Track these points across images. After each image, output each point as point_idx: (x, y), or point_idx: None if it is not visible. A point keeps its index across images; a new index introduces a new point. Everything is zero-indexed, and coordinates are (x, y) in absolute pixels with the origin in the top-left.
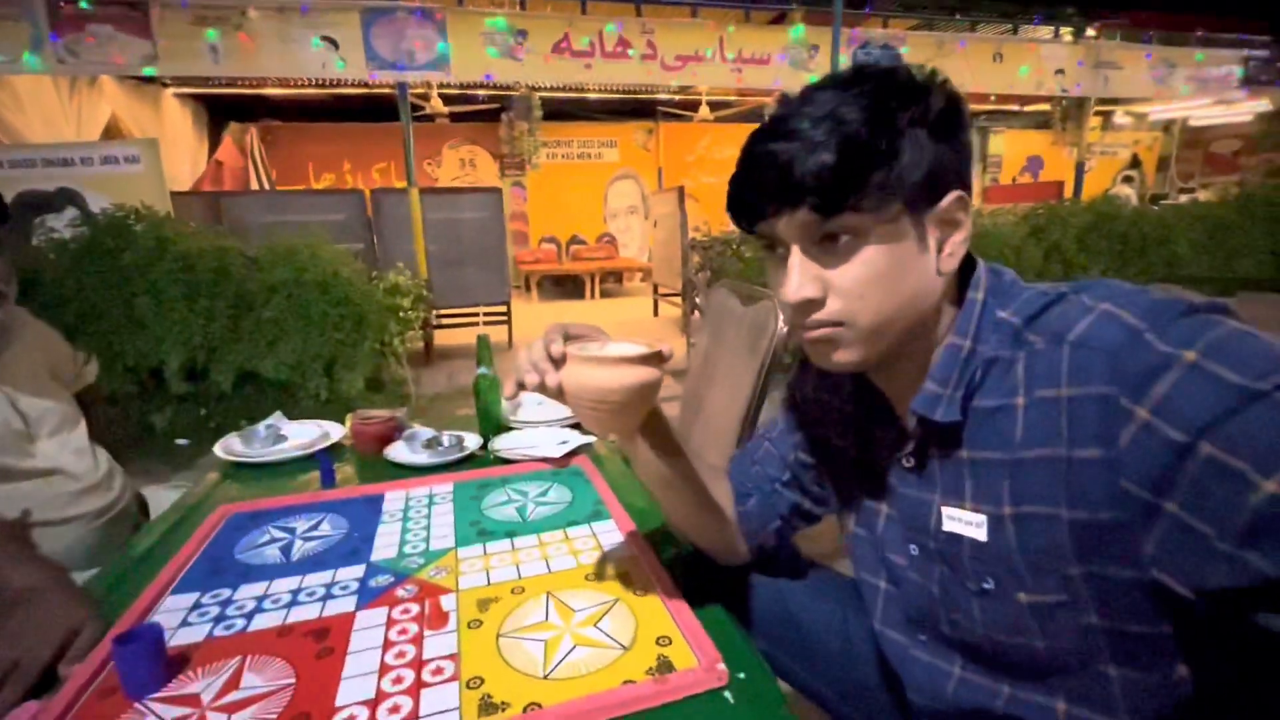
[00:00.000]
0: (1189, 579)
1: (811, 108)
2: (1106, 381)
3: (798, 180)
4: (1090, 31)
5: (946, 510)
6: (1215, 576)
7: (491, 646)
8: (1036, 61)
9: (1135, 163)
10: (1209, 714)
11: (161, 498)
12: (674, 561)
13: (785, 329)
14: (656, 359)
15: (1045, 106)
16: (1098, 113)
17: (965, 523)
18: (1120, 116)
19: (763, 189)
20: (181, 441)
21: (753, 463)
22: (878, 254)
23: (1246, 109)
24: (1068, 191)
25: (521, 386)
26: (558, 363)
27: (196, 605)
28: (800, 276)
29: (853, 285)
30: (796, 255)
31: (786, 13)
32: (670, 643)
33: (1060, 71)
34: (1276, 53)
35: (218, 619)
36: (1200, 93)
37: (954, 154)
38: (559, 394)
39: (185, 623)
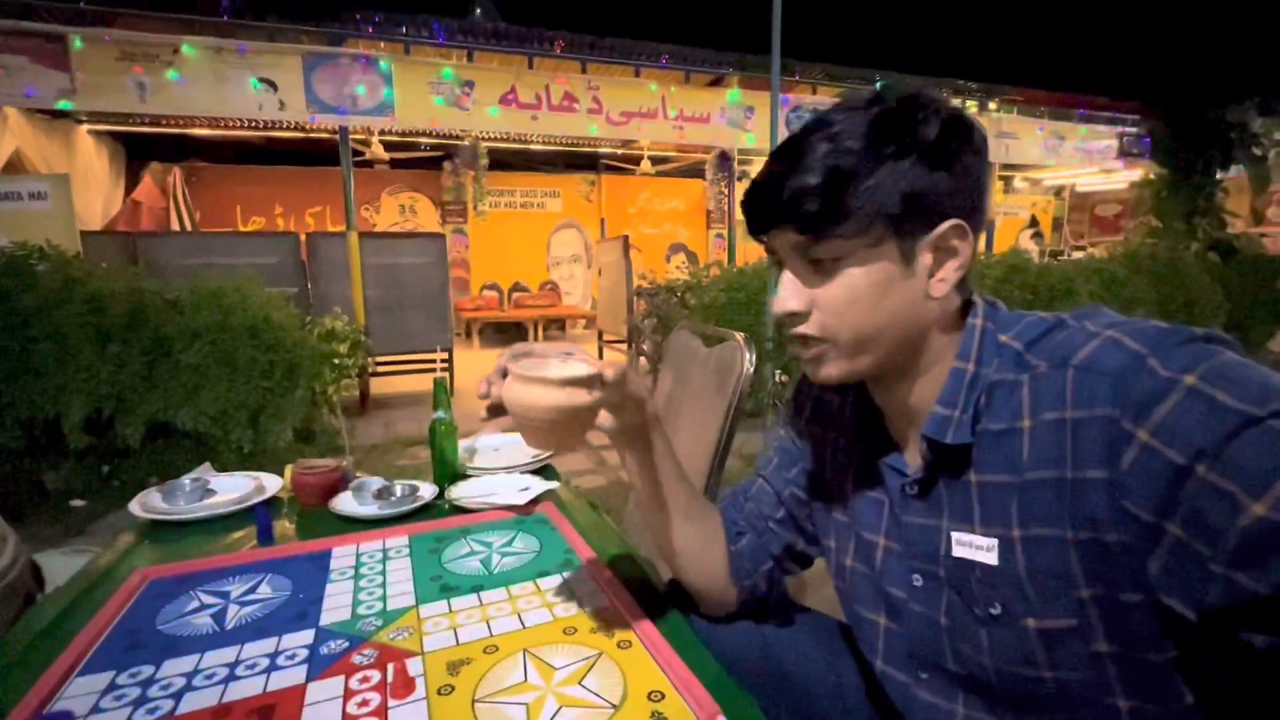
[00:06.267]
0: (1191, 600)
1: (813, 133)
2: (1110, 404)
3: (785, 202)
4: (991, 105)
5: (956, 535)
6: (1213, 596)
7: (467, 714)
8: None
9: (1034, 222)
10: None
11: (61, 565)
12: (656, 609)
13: (752, 368)
14: (594, 381)
15: None
16: (999, 178)
17: (975, 547)
18: (1019, 182)
19: (760, 206)
20: (77, 502)
21: (746, 499)
22: (858, 276)
23: (1123, 177)
24: (979, 247)
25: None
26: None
27: (111, 687)
28: (786, 291)
29: (833, 304)
30: (787, 271)
31: (723, 76)
32: (663, 697)
33: None
34: (1145, 129)
35: (138, 702)
36: (1085, 162)
37: (953, 182)
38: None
39: (98, 709)
